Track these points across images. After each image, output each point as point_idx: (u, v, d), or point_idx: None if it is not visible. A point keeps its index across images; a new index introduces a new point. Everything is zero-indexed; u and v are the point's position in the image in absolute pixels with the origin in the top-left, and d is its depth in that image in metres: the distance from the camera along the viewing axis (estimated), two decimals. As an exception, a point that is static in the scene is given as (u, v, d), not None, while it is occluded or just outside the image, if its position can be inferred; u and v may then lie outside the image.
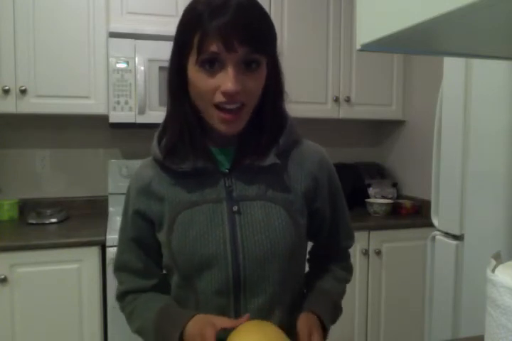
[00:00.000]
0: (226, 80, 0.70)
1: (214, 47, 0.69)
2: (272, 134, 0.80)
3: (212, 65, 0.71)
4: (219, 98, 0.71)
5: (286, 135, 0.82)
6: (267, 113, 0.80)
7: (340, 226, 0.92)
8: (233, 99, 0.71)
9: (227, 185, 0.80)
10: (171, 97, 0.80)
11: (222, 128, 0.74)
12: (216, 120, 0.74)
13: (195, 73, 0.72)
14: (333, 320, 0.87)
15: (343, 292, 0.93)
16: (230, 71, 0.70)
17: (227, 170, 0.81)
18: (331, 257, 0.95)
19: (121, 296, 0.89)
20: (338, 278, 0.93)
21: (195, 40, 0.70)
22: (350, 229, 0.96)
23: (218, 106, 0.72)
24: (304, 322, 0.78)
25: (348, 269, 0.97)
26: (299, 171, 0.84)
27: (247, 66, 0.72)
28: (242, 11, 0.69)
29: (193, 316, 0.76)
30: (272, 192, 0.80)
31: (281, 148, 0.81)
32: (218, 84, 0.71)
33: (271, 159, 0.79)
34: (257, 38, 0.70)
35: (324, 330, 0.81)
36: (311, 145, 0.88)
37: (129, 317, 0.86)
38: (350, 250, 0.97)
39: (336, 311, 0.88)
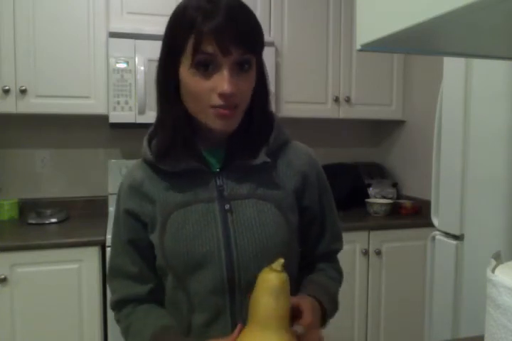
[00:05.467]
0: (222, 82, 0.70)
1: (210, 49, 0.70)
2: (261, 134, 0.81)
3: (207, 67, 0.71)
4: (216, 101, 0.72)
5: (276, 135, 0.83)
6: (256, 113, 0.81)
7: (329, 226, 0.91)
8: (230, 101, 0.72)
9: (218, 184, 0.80)
10: (162, 100, 0.80)
11: (218, 124, 0.75)
12: (213, 117, 0.74)
13: (189, 76, 0.73)
14: (330, 314, 0.85)
15: (337, 290, 0.91)
16: (225, 73, 0.71)
17: (218, 170, 0.82)
18: (320, 260, 0.92)
19: (115, 306, 0.86)
20: (332, 276, 0.91)
21: (190, 44, 0.71)
22: (339, 229, 0.94)
23: (215, 107, 0.73)
24: (308, 303, 0.74)
25: (340, 271, 0.95)
26: (288, 170, 0.85)
27: (240, 67, 0.73)
28: (232, 13, 0.70)
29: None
30: (262, 190, 0.81)
31: (271, 147, 0.82)
32: (214, 86, 0.71)
33: (262, 158, 0.80)
34: (249, 38, 0.72)
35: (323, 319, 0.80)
36: (299, 146, 0.90)
37: (125, 334, 0.84)
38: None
39: (333, 306, 0.86)
